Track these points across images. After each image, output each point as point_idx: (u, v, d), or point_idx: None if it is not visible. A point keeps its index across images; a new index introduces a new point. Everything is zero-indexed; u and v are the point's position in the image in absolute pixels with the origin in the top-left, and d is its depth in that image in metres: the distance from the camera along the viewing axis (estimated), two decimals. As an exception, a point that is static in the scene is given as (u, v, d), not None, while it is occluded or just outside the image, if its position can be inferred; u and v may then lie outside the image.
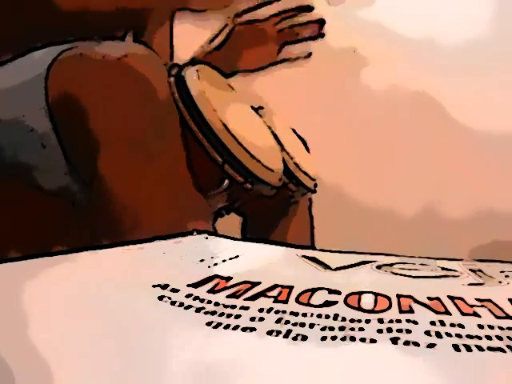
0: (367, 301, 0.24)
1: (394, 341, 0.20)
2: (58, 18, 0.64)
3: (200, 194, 0.63)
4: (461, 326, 0.21)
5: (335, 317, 0.22)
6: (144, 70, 0.58)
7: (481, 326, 0.21)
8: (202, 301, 0.24)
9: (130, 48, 0.59)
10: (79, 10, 0.64)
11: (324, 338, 0.20)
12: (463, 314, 0.22)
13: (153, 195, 0.57)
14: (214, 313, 0.22)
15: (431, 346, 0.19)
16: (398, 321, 0.21)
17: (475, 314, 0.22)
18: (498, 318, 0.22)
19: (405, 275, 0.29)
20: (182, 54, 0.85)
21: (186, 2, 0.81)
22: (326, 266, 0.31)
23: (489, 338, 0.20)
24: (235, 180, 0.65)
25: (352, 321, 0.21)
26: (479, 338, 0.20)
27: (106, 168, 0.56)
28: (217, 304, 0.23)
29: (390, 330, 0.20)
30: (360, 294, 0.24)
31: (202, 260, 0.31)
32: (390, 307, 0.23)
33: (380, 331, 0.20)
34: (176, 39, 0.85)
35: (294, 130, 0.91)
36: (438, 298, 0.24)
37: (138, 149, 0.57)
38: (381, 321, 0.21)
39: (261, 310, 0.22)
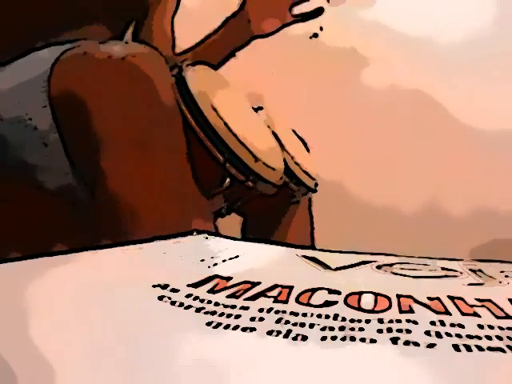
0: (367, 301, 0.24)
1: (394, 341, 0.20)
2: (61, 14, 0.64)
3: (202, 194, 0.63)
4: (461, 325, 0.21)
5: (335, 317, 0.22)
6: (148, 70, 0.58)
7: (481, 326, 0.21)
8: (202, 301, 0.24)
9: (134, 47, 0.59)
10: None
11: (324, 338, 0.20)
12: (463, 313, 0.22)
13: (155, 195, 0.57)
14: (214, 313, 0.22)
15: (431, 346, 0.19)
16: (398, 321, 0.21)
17: (475, 314, 0.22)
18: (498, 317, 0.22)
19: (405, 275, 0.29)
20: (183, 43, 0.85)
21: None
22: (326, 266, 0.31)
23: (489, 338, 0.20)
24: (237, 178, 0.65)
25: (352, 321, 0.21)
26: (479, 338, 0.20)
27: (109, 168, 0.56)
28: (217, 304, 0.23)
29: (389, 329, 0.20)
30: (360, 294, 0.24)
31: (202, 260, 0.31)
32: (389, 307, 0.23)
33: (380, 331, 0.20)
34: (177, 27, 0.86)
35: (293, 131, 0.91)
36: (438, 298, 0.24)
37: (141, 148, 0.57)
38: (381, 321, 0.21)
39: (261, 310, 0.22)
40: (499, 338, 0.20)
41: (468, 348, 0.19)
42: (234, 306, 0.23)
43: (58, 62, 0.57)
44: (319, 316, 0.22)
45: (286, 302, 0.23)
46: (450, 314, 0.22)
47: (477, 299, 0.24)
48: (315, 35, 1.15)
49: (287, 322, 0.21)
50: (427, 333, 0.20)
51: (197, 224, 0.46)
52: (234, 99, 0.77)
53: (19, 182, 0.60)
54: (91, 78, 0.57)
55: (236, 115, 0.69)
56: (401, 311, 0.22)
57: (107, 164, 0.56)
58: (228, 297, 0.24)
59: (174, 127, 0.61)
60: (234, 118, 0.66)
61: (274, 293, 0.25)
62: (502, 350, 0.19)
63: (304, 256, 0.33)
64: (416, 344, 0.19)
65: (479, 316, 0.22)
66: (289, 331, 0.20)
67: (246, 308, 0.23)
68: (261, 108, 0.85)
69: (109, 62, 0.57)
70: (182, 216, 0.58)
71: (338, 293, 0.25)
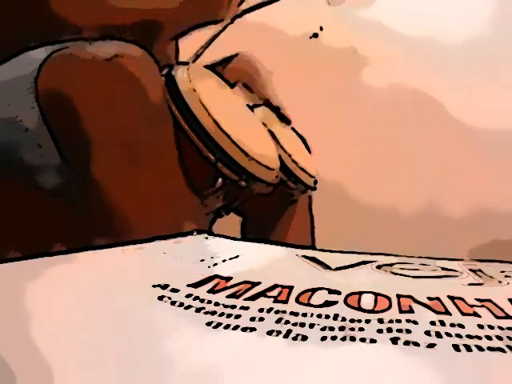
0: (367, 301, 0.24)
1: (394, 341, 0.20)
2: (55, 18, 0.64)
3: (194, 195, 0.63)
4: (461, 325, 0.21)
5: (335, 317, 0.22)
6: (135, 70, 0.58)
7: (481, 326, 0.21)
8: (202, 301, 0.24)
9: (122, 48, 0.59)
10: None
11: (324, 338, 0.20)
12: (463, 313, 0.22)
13: (145, 196, 0.57)
14: (214, 313, 0.22)
15: (431, 345, 0.19)
16: (398, 321, 0.21)
17: (475, 314, 0.22)
18: (498, 318, 0.22)
19: (405, 275, 0.29)
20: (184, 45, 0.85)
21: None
22: (326, 266, 0.31)
23: (489, 338, 0.20)
24: (229, 178, 0.65)
25: (352, 321, 0.21)
26: (479, 338, 0.20)
27: (98, 169, 0.56)
28: (217, 304, 0.23)
29: (389, 329, 0.20)
30: (360, 294, 0.24)
31: (202, 260, 0.31)
32: (390, 307, 0.23)
33: (380, 331, 0.20)
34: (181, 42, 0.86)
35: (293, 129, 0.91)
36: (438, 298, 0.24)
37: (130, 149, 0.57)
38: (381, 321, 0.21)
39: (261, 310, 0.22)
40: (499, 337, 0.20)
41: (468, 348, 0.19)
42: (234, 306, 0.23)
43: (44, 64, 0.56)
44: (319, 316, 0.22)
45: (286, 301, 0.23)
46: (450, 314, 0.22)
47: (477, 299, 0.24)
48: (315, 35, 1.15)
49: (287, 322, 0.21)
50: (427, 333, 0.20)
51: (188, 226, 0.46)
52: (227, 97, 0.76)
53: (17, 182, 0.59)
54: (77, 79, 0.56)
55: (228, 113, 0.69)
56: (401, 311, 0.22)
57: (96, 166, 0.56)
58: (228, 297, 0.24)
59: (163, 128, 0.60)
60: (225, 116, 0.65)
61: (274, 293, 0.25)
62: (502, 350, 0.19)
63: (304, 256, 0.33)
64: (416, 344, 0.19)
65: (479, 316, 0.22)
66: (289, 331, 0.20)
67: (246, 308, 0.23)
68: (257, 106, 0.84)
69: (95, 63, 0.56)
70: (172, 218, 0.58)
71: (338, 293, 0.25)
